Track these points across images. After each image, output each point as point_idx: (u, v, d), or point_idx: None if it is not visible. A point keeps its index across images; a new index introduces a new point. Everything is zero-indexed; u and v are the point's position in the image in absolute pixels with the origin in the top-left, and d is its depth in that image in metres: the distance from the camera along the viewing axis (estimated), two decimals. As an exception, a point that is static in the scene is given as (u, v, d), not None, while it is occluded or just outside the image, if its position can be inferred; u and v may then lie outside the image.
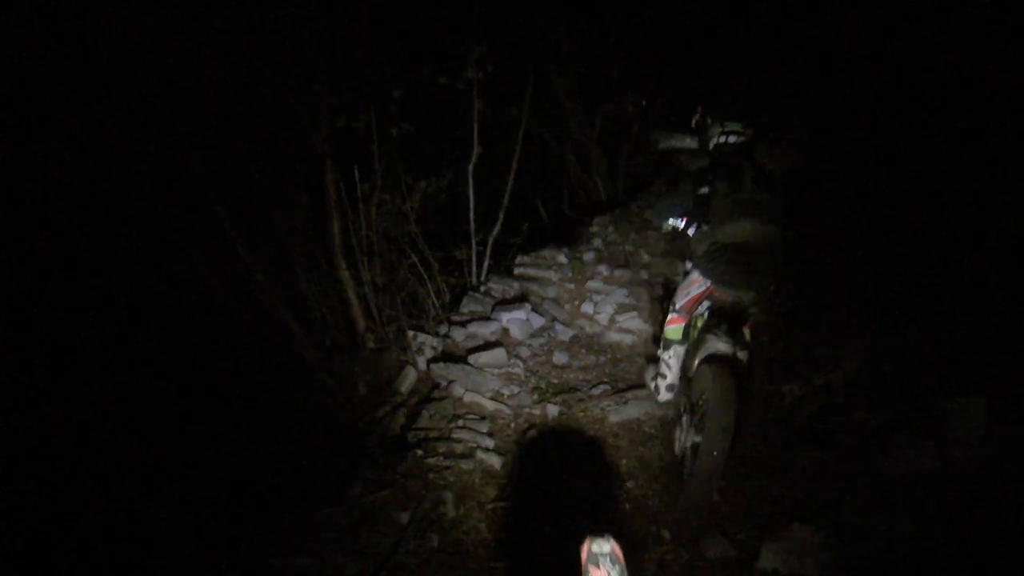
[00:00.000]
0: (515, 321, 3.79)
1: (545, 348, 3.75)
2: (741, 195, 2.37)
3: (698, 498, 2.31)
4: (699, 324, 2.69)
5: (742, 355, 2.46)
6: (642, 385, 3.28)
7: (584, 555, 1.10)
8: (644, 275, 4.54)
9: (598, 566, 1.08)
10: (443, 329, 3.72)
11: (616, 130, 6.49)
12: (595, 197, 6.43)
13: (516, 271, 4.48)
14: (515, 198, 4.55)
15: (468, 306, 3.93)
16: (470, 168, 4.16)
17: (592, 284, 4.38)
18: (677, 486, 2.56)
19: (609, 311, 4.09)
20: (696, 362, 2.53)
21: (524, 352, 3.67)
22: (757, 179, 2.38)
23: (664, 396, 2.89)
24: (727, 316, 2.50)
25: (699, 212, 2.52)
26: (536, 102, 4.81)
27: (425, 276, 4.05)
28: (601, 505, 2.57)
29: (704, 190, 2.46)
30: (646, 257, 4.81)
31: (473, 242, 4.32)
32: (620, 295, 4.25)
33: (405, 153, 3.98)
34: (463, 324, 3.74)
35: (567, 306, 4.25)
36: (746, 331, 2.56)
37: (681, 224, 2.68)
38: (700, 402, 2.38)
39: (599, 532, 1.12)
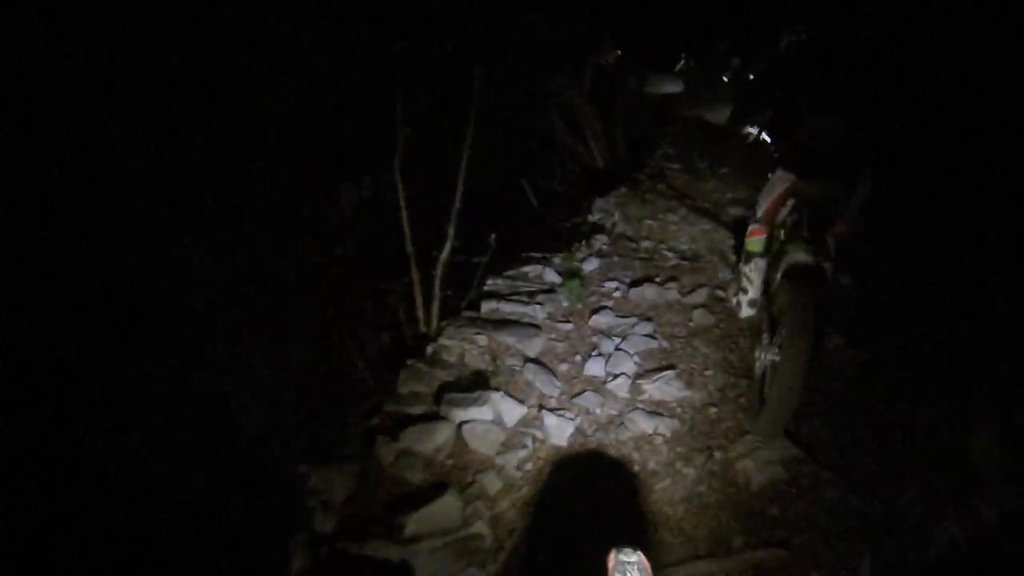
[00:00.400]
0: (476, 427, 2.38)
1: (528, 472, 2.31)
2: (834, 84, 2.25)
3: (776, 417, 2.24)
4: (782, 235, 2.56)
5: (827, 266, 2.29)
6: None
7: (610, 565, 1.09)
8: (675, 291, 3.29)
9: None
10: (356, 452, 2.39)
11: (609, 88, 5.62)
12: (592, 167, 5.41)
13: (484, 309, 3.08)
14: (496, 183, 3.53)
15: (407, 385, 2.62)
16: (396, 159, 3.03)
17: (599, 320, 3.07)
18: (758, 406, 2.44)
19: (629, 369, 2.77)
20: (778, 275, 2.41)
21: (492, 485, 2.21)
22: (840, 70, 2.24)
23: (746, 312, 2.74)
24: (811, 221, 2.38)
25: (774, 117, 2.46)
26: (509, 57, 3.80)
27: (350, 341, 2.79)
28: None
29: (779, 92, 2.36)
30: (671, 257, 3.51)
31: (414, 271, 3.09)
32: (643, 334, 2.96)
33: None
34: (393, 433, 2.38)
35: (563, 366, 2.83)
36: (830, 240, 2.38)
37: (756, 131, 2.58)
38: (780, 319, 2.27)
39: (626, 543, 1.12)
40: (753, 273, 2.67)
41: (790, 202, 2.54)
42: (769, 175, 2.65)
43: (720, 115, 6.62)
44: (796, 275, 2.26)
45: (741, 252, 2.83)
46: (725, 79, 7.63)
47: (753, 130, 2.76)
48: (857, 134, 2.34)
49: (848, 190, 2.36)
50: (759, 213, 2.65)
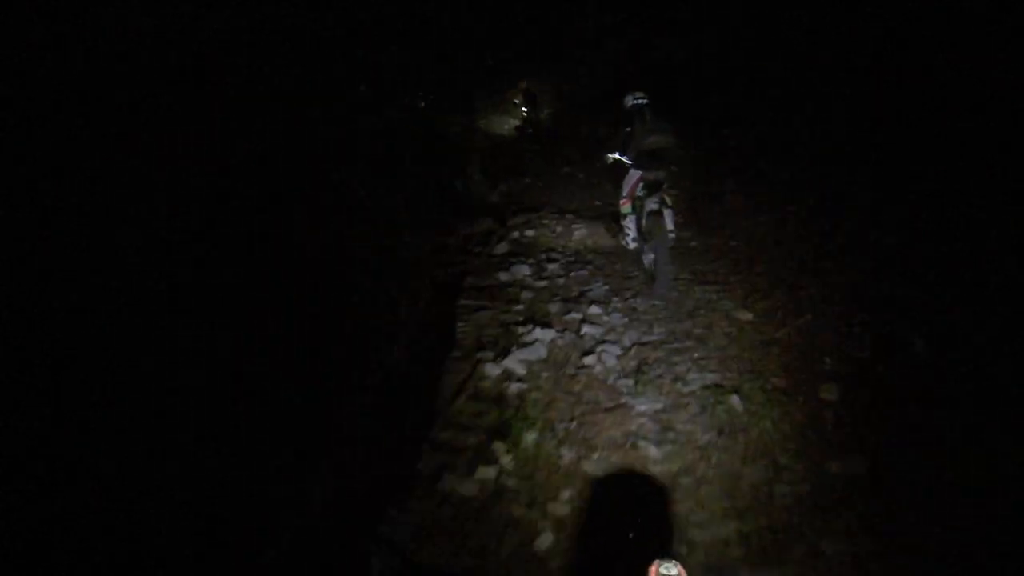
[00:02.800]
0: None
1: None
2: (647, 124, 4.43)
3: (664, 285, 4.26)
4: (641, 199, 4.53)
5: (665, 209, 4.39)
6: None
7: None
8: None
9: None
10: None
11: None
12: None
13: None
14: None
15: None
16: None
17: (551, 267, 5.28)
18: (650, 282, 4.52)
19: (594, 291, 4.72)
20: (643, 220, 4.50)
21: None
22: (655, 115, 4.50)
23: (632, 245, 4.89)
24: (653, 188, 4.48)
25: (628, 139, 4.58)
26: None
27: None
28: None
29: (628, 128, 4.59)
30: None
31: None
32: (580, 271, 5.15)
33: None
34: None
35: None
36: (666, 197, 4.48)
37: (616, 156, 4.70)
38: (649, 235, 4.39)
39: (666, 555, 1.12)
40: (630, 223, 4.83)
41: (640, 184, 4.60)
42: (625, 174, 4.78)
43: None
44: (652, 213, 4.35)
45: (618, 215, 5.02)
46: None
47: (613, 156, 4.72)
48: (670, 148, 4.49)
49: (666, 174, 4.56)
50: (624, 193, 4.80)
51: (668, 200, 4.47)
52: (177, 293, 3.81)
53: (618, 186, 4.98)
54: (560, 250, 5.51)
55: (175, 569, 2.39)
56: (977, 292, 3.19)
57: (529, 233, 5.93)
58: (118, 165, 3.57)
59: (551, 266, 5.07)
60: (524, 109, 10.86)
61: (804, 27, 5.91)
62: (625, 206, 4.82)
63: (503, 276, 4.86)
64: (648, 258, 4.53)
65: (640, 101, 4.61)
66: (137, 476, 2.71)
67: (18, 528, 2.32)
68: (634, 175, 4.63)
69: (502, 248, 5.56)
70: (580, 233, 5.90)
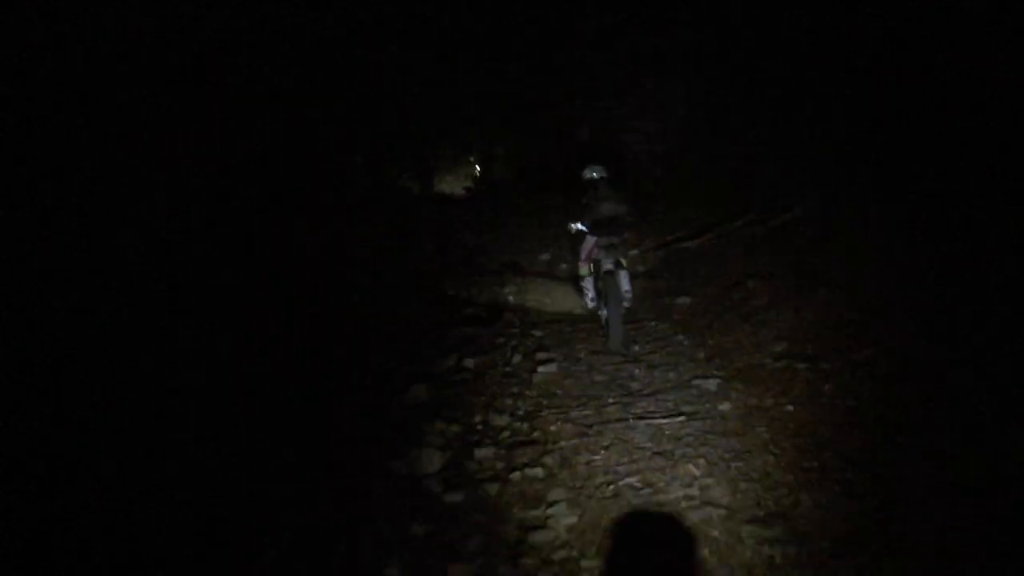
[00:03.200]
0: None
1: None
2: (601, 195, 4.85)
3: (618, 340, 4.48)
4: (598, 261, 4.84)
5: (620, 272, 4.71)
6: None
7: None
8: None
9: None
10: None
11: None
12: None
13: None
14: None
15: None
16: None
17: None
18: (604, 340, 4.64)
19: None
20: (599, 279, 4.81)
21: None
22: (610, 187, 4.95)
23: (590, 305, 5.20)
24: (608, 252, 4.76)
25: (585, 209, 4.91)
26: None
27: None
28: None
29: (585, 200, 4.95)
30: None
31: None
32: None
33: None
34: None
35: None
36: (621, 259, 4.82)
37: (578, 226, 4.99)
38: (604, 295, 4.66)
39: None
40: (587, 285, 5.18)
41: (595, 248, 4.92)
42: (583, 240, 5.11)
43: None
44: (607, 273, 4.64)
45: (577, 279, 5.46)
46: None
47: (575, 226, 5.01)
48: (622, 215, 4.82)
49: (621, 239, 4.90)
50: (582, 257, 5.16)
51: (623, 262, 4.86)
52: (177, 293, 3.81)
53: (576, 252, 5.44)
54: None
55: (175, 569, 2.39)
56: (977, 292, 3.19)
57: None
58: (118, 165, 3.57)
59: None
60: (478, 169, 10.80)
61: (804, 27, 5.91)
62: (583, 268, 5.23)
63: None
64: (603, 315, 4.79)
65: (594, 175, 5.07)
66: (137, 476, 2.71)
67: (18, 528, 2.32)
68: (590, 241, 5.03)
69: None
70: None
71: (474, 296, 5.80)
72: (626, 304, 4.70)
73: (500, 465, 3.03)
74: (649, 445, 3.05)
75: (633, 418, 3.31)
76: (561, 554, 2.42)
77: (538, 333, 4.92)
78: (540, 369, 4.11)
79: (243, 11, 3.48)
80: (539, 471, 2.93)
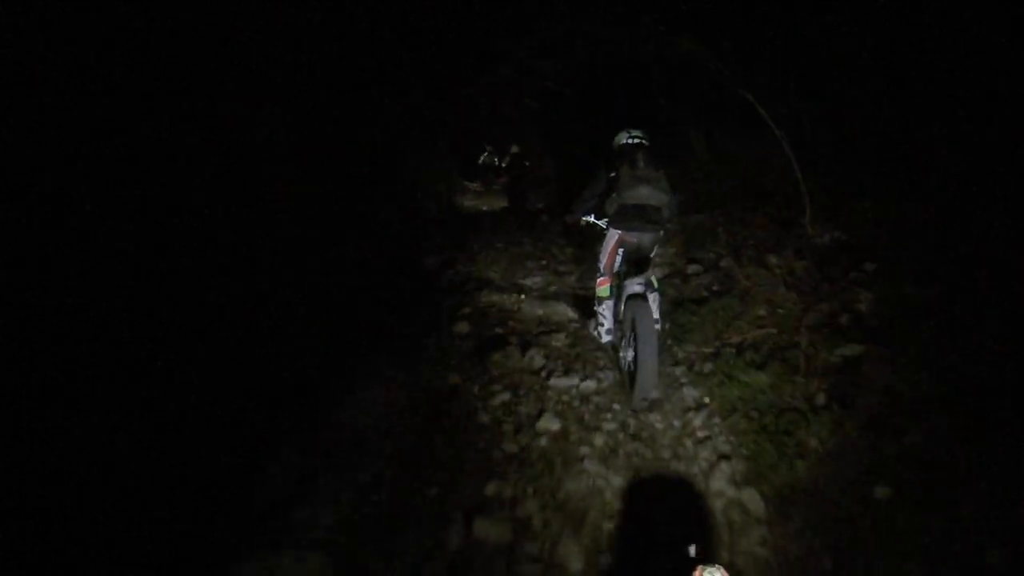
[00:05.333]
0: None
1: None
2: (638, 171, 3.33)
3: (646, 392, 3.18)
4: (620, 278, 3.59)
5: (651, 295, 3.36)
6: None
7: None
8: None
9: None
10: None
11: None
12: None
13: None
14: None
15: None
16: None
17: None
18: (630, 390, 3.38)
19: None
20: (622, 305, 3.49)
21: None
22: (648, 161, 3.37)
23: (605, 338, 3.80)
24: (637, 263, 3.50)
25: (609, 189, 3.46)
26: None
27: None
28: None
29: (612, 174, 3.44)
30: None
31: None
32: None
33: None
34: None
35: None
36: (653, 277, 3.46)
37: (591, 218, 3.71)
38: (630, 330, 3.31)
39: (710, 562, 1.14)
40: (605, 311, 3.72)
41: (619, 254, 3.61)
42: (601, 240, 3.68)
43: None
44: (633, 297, 3.32)
45: (594, 299, 3.84)
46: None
47: (588, 218, 3.75)
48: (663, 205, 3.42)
49: (655, 240, 3.57)
50: (602, 268, 3.71)
51: (655, 282, 3.46)
52: (180, 292, 3.82)
53: (595, 259, 3.82)
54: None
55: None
56: (978, 291, 3.18)
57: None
58: (113, 163, 3.58)
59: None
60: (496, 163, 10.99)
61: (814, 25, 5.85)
62: (602, 287, 3.71)
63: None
64: (628, 355, 3.43)
65: (633, 140, 3.51)
66: (138, 475, 2.72)
67: (19, 528, 2.33)
68: (612, 238, 3.57)
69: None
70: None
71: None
72: (657, 337, 3.26)
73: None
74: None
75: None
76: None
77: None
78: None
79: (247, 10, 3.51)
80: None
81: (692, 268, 4.86)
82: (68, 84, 3.28)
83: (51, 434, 2.56)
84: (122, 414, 2.78)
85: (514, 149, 10.83)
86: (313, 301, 4.22)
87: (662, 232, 3.59)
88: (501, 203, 9.91)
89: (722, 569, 1.13)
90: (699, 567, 1.14)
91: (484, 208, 9.63)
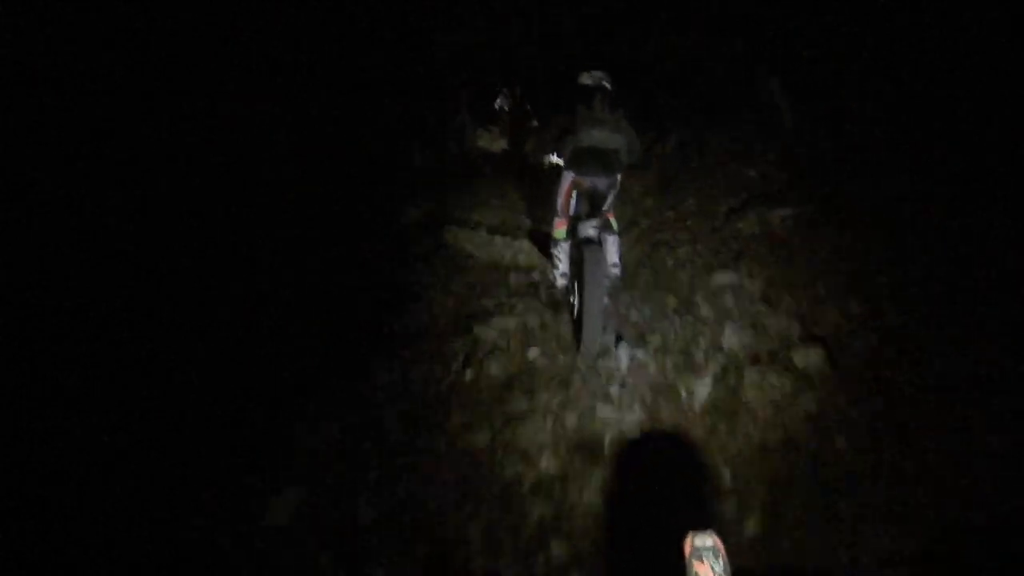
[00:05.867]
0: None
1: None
2: (595, 113, 3.34)
3: (592, 337, 3.03)
4: (576, 220, 3.48)
5: (609, 237, 3.36)
6: None
7: (687, 549, 1.11)
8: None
9: (701, 560, 1.10)
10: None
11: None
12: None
13: None
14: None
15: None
16: None
17: None
18: (576, 336, 3.24)
19: None
20: (576, 248, 3.35)
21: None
22: (605, 102, 3.36)
23: (560, 282, 3.74)
24: (592, 206, 3.44)
25: (566, 130, 3.43)
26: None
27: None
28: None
29: (570, 117, 3.40)
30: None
31: None
32: None
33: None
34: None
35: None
36: (610, 218, 3.51)
37: (553, 158, 3.58)
38: (578, 272, 3.19)
39: (701, 527, 1.15)
40: (561, 253, 3.68)
41: (574, 196, 3.56)
42: (557, 181, 3.62)
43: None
44: (586, 244, 3.17)
45: (550, 240, 3.80)
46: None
47: (552, 158, 3.59)
48: (619, 148, 3.40)
49: (611, 184, 3.47)
50: (558, 209, 3.66)
51: (613, 224, 3.49)
52: (180, 292, 3.82)
53: (552, 202, 3.76)
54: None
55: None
56: (978, 291, 3.18)
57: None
58: (114, 163, 3.59)
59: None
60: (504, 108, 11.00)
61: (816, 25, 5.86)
62: (559, 229, 3.68)
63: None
64: (576, 301, 3.30)
65: (593, 82, 3.41)
66: (138, 475, 2.73)
67: (19, 528, 2.34)
68: (566, 179, 3.52)
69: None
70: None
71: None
72: (609, 283, 3.26)
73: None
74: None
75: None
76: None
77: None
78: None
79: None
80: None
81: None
82: (68, 84, 3.28)
83: (51, 434, 2.56)
84: (122, 414, 2.78)
85: (517, 91, 10.91)
86: (313, 301, 4.23)
87: (618, 176, 3.51)
88: (502, 145, 10.48)
89: (714, 535, 1.14)
90: (691, 533, 1.14)
91: (492, 149, 10.35)
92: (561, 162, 3.54)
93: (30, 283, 2.95)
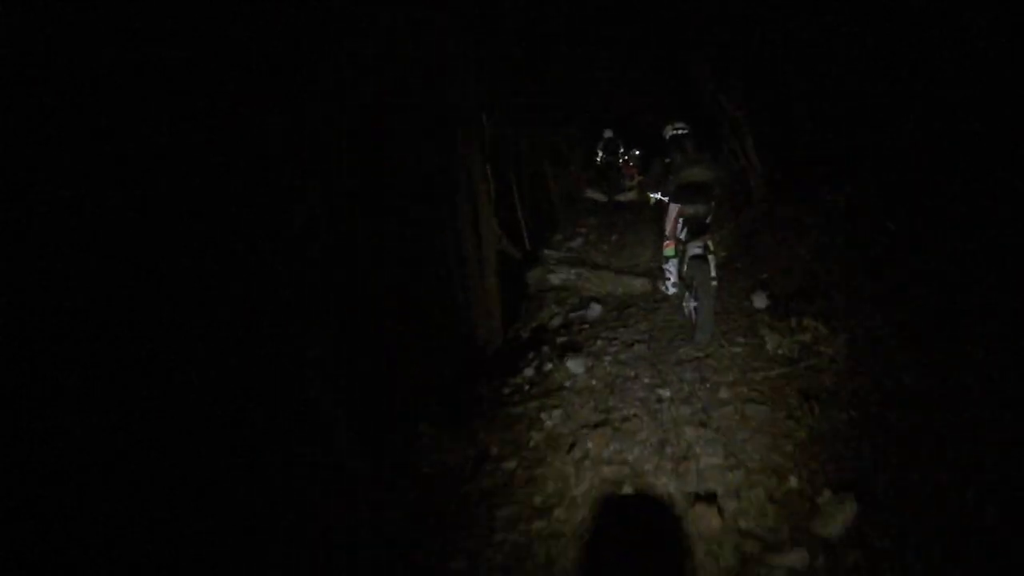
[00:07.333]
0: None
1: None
2: (689, 155, 4.23)
3: (704, 335, 3.97)
4: (683, 243, 4.32)
5: (710, 256, 4.07)
6: None
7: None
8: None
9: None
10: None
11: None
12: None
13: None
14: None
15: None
16: None
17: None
18: (692, 330, 4.14)
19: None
20: (685, 265, 4.33)
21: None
22: (697, 147, 4.27)
23: (672, 291, 4.79)
24: (696, 230, 4.20)
25: (666, 171, 4.37)
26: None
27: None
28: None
29: (668, 159, 4.35)
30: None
31: None
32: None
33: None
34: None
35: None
36: (710, 242, 4.15)
37: (658, 195, 4.57)
38: (693, 284, 4.13)
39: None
40: (671, 267, 4.66)
41: (680, 223, 4.42)
42: (665, 212, 4.59)
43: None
44: (694, 258, 4.06)
45: (660, 258, 4.92)
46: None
47: (655, 195, 4.60)
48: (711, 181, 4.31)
49: (708, 210, 4.30)
50: (667, 233, 4.60)
51: (711, 245, 4.16)
52: (180, 292, 3.82)
53: (661, 228, 4.76)
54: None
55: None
56: (978, 292, 3.18)
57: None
58: (114, 163, 3.58)
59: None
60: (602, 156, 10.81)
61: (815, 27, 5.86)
62: (668, 248, 4.63)
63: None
64: (689, 305, 4.31)
65: (679, 131, 4.38)
66: (138, 475, 2.73)
67: (19, 528, 2.34)
68: (673, 210, 4.43)
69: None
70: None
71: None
72: (713, 291, 4.06)
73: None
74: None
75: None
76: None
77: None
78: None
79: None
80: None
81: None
82: (68, 84, 3.28)
83: (51, 434, 2.56)
84: (122, 414, 2.78)
85: (607, 134, 10.65)
86: (313, 301, 4.23)
87: (713, 203, 4.39)
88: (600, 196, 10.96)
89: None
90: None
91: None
92: (666, 199, 4.47)
93: (30, 283, 2.94)
